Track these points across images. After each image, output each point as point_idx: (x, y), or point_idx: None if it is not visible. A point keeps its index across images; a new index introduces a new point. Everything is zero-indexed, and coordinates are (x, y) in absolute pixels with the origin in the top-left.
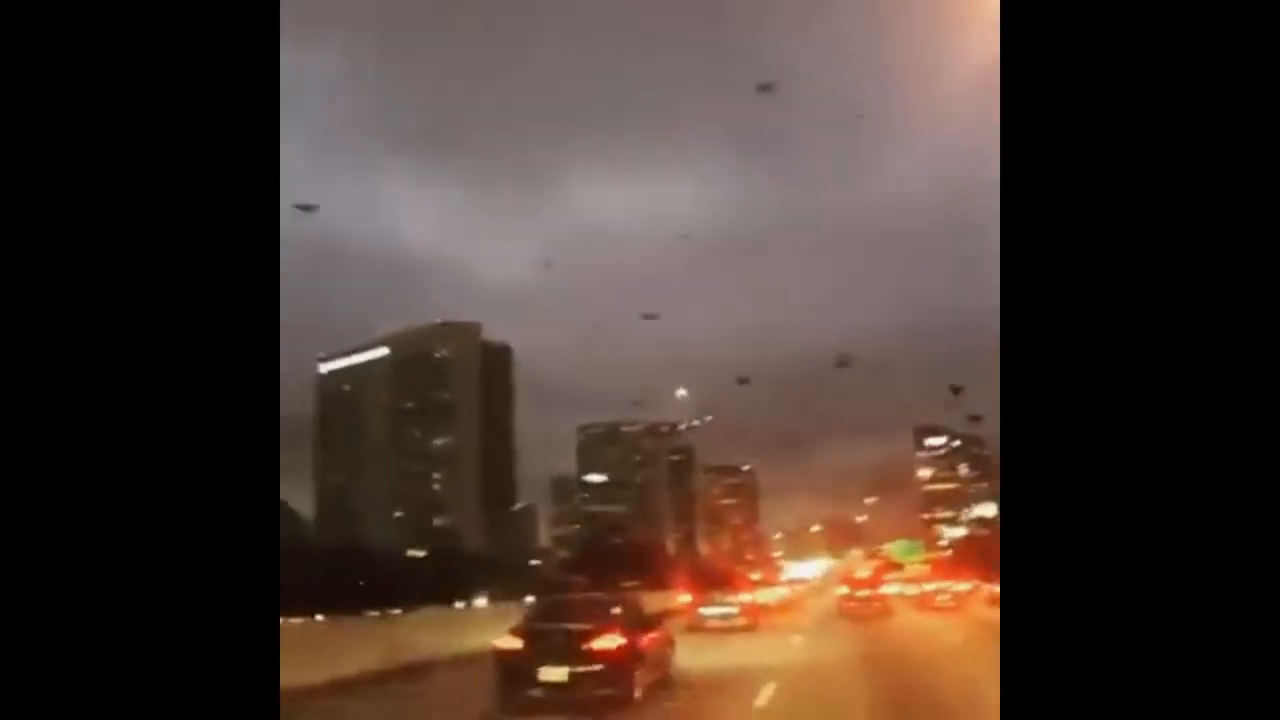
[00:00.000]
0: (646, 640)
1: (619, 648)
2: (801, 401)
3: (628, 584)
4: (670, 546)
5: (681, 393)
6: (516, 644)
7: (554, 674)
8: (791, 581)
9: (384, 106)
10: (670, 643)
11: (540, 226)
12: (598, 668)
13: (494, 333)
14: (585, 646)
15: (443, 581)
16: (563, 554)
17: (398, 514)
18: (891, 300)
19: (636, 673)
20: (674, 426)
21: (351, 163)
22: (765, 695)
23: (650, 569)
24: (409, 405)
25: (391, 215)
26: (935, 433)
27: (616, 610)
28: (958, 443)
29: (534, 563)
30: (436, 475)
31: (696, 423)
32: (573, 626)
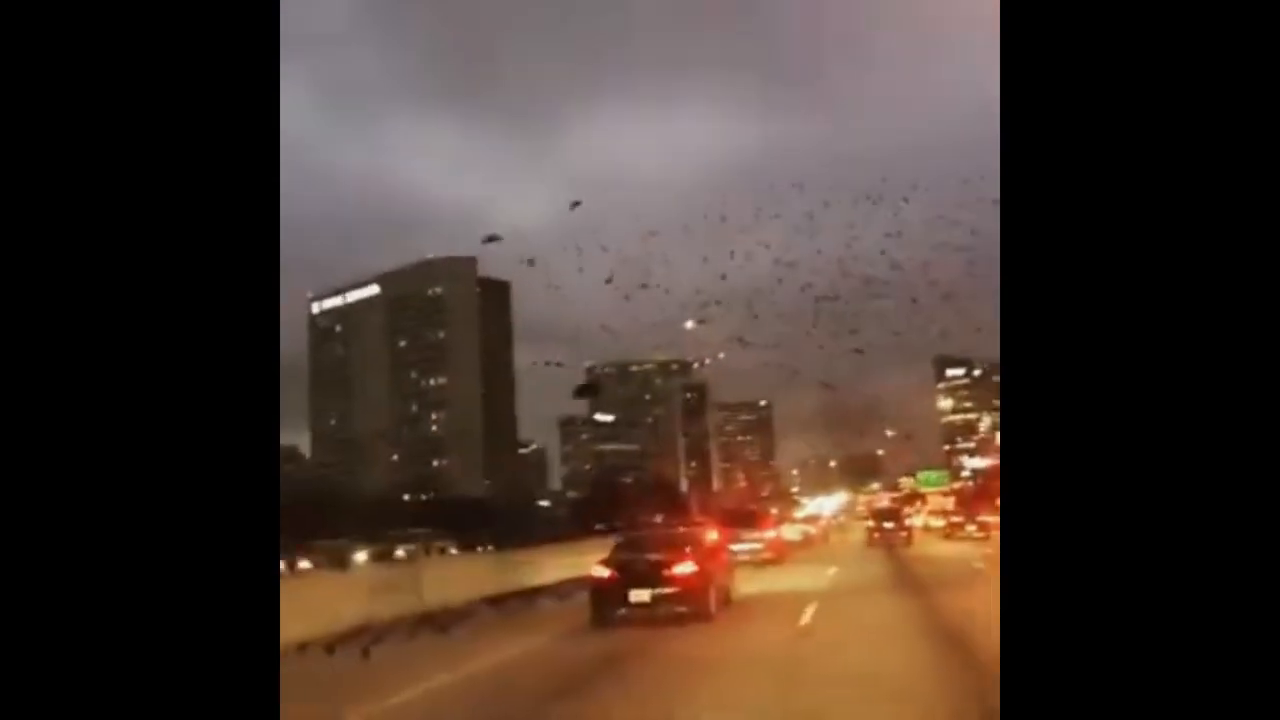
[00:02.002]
0: (714, 566)
1: (694, 573)
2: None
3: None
4: (684, 484)
5: (690, 325)
6: (607, 572)
7: (640, 595)
8: (808, 518)
9: (395, 51)
10: (731, 570)
11: (558, 167)
12: (676, 590)
13: (509, 273)
14: (666, 572)
15: (444, 525)
16: (571, 494)
17: (394, 457)
18: (919, 233)
19: (710, 593)
20: (686, 364)
21: (362, 109)
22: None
23: (664, 508)
24: (402, 344)
25: (400, 156)
26: (955, 363)
27: (689, 542)
28: (979, 372)
29: (542, 504)
30: (434, 417)
31: (709, 360)
32: (654, 556)
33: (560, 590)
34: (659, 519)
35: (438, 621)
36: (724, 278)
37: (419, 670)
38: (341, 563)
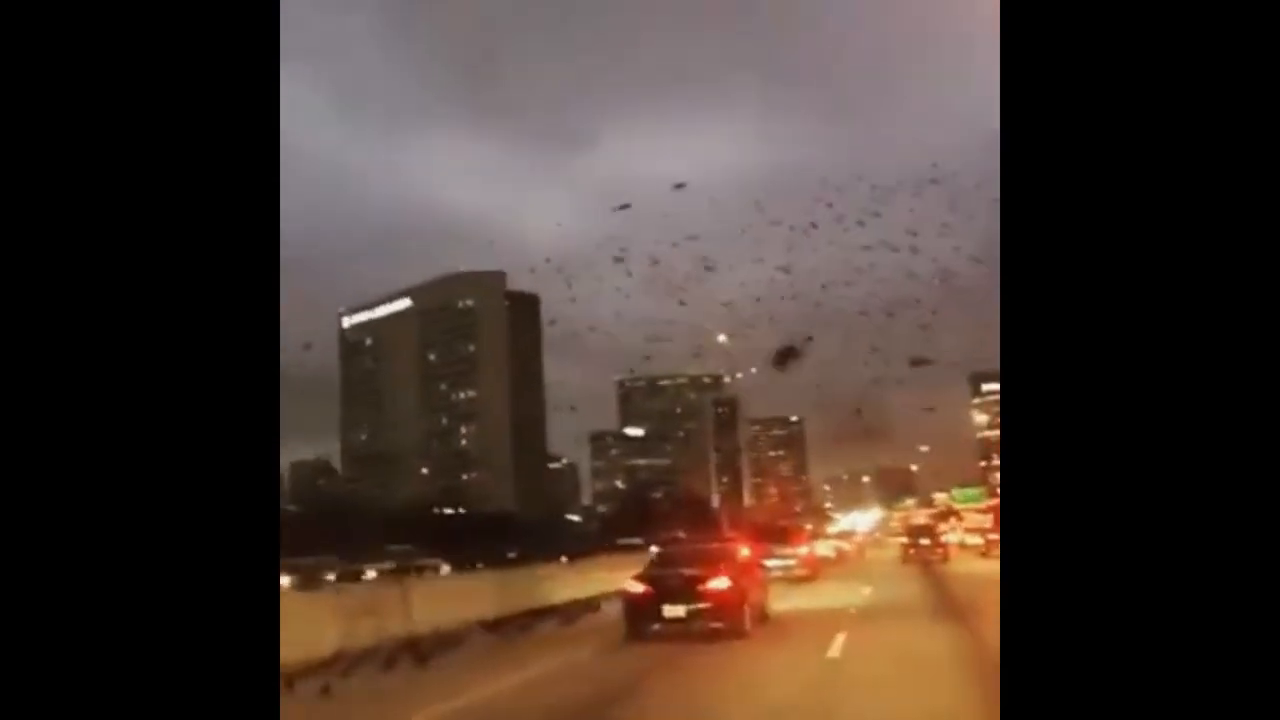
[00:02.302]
0: (749, 582)
1: (729, 589)
2: (854, 351)
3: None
4: (715, 499)
5: (722, 339)
6: (641, 588)
7: (675, 610)
8: (841, 534)
9: (416, 61)
10: (765, 586)
11: (584, 182)
12: (711, 605)
13: (538, 288)
14: (700, 588)
15: (474, 540)
16: (602, 509)
17: (424, 470)
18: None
19: (744, 609)
20: (718, 378)
21: (382, 120)
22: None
23: (696, 523)
24: (432, 358)
25: (425, 173)
26: (991, 379)
27: (724, 558)
28: None
29: (573, 518)
30: (464, 430)
31: (740, 375)
32: (689, 571)
33: (569, 612)
34: (687, 534)
35: (421, 649)
36: (758, 300)
37: (384, 710)
38: (315, 582)
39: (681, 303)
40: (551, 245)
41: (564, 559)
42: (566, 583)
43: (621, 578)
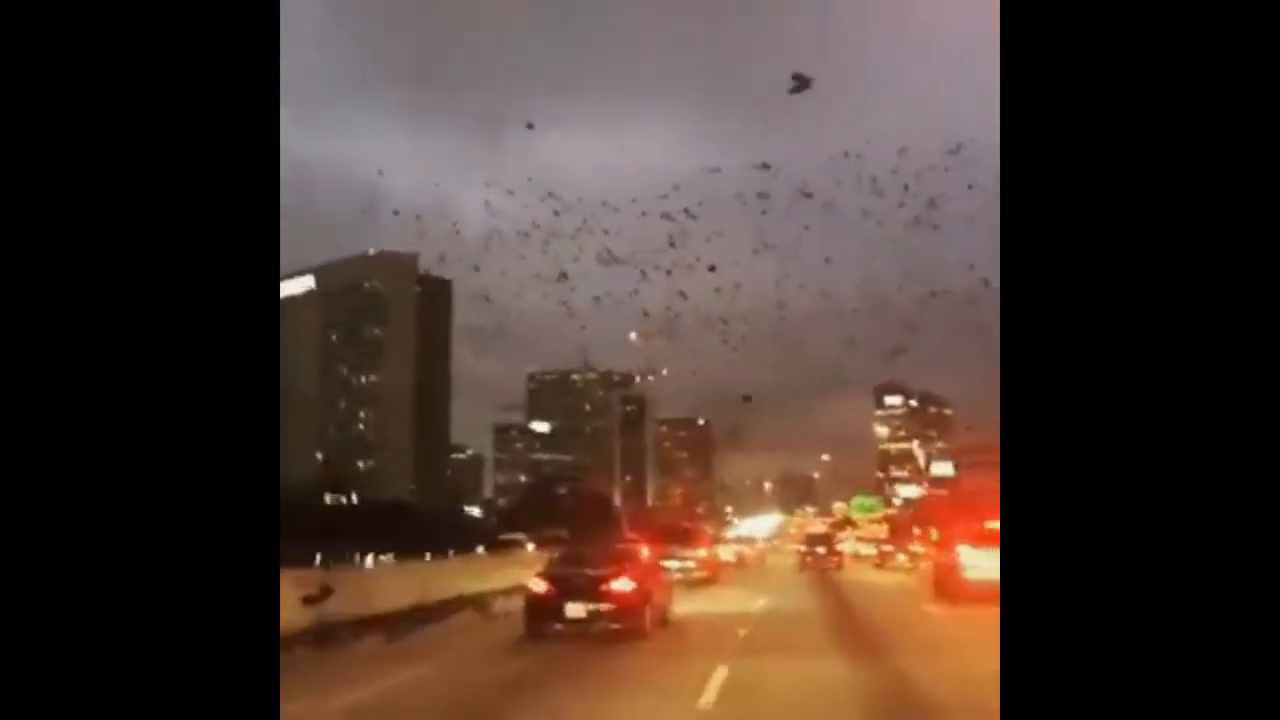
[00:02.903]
0: (652, 584)
1: (632, 590)
2: (762, 356)
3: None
4: (619, 498)
5: (633, 336)
6: (544, 585)
7: (576, 610)
8: (742, 539)
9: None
10: (669, 589)
11: (511, 177)
12: (613, 606)
13: (452, 274)
14: (603, 588)
15: (363, 531)
16: (503, 503)
17: (319, 455)
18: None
19: (645, 611)
20: (628, 377)
21: (326, 111)
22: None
23: (597, 521)
24: (334, 338)
25: (353, 151)
26: (894, 391)
27: (628, 558)
28: (915, 402)
29: (472, 511)
30: (362, 415)
31: (651, 377)
32: (591, 571)
33: (445, 610)
34: (589, 531)
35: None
36: (683, 294)
37: None
38: None
39: (597, 299)
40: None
41: (451, 553)
42: (452, 578)
43: (512, 575)
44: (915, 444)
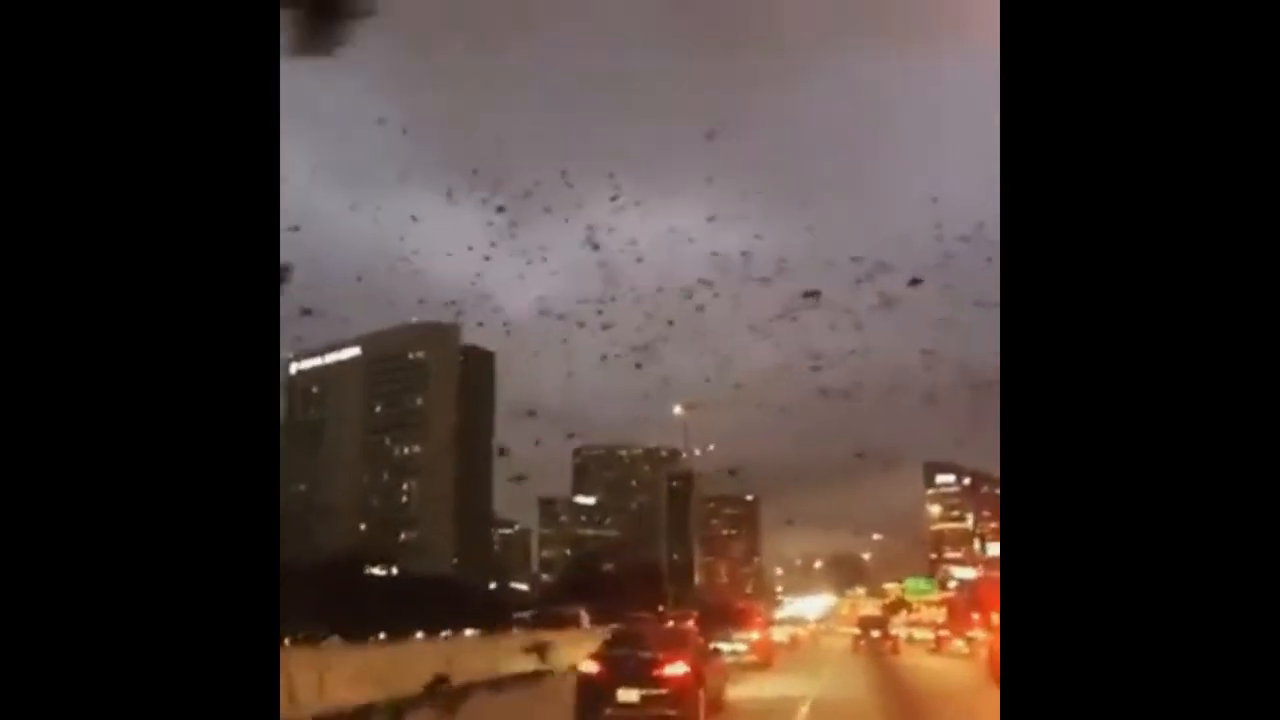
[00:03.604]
0: (707, 668)
1: (685, 674)
2: (810, 433)
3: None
4: (666, 576)
5: (678, 410)
6: (596, 668)
7: (629, 695)
8: (791, 620)
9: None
10: (724, 672)
11: (557, 253)
12: (666, 691)
13: (501, 356)
14: (656, 672)
15: (406, 605)
16: (546, 578)
17: (362, 526)
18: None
19: (699, 696)
20: (675, 452)
21: (363, 189)
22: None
23: (644, 600)
24: (378, 410)
25: (397, 231)
26: (946, 469)
27: (683, 640)
28: (968, 480)
29: (520, 586)
30: (405, 487)
31: (698, 452)
32: (645, 654)
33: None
34: (637, 611)
35: None
36: (725, 371)
37: None
38: None
39: (638, 365)
40: (518, 308)
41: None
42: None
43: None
44: (970, 520)
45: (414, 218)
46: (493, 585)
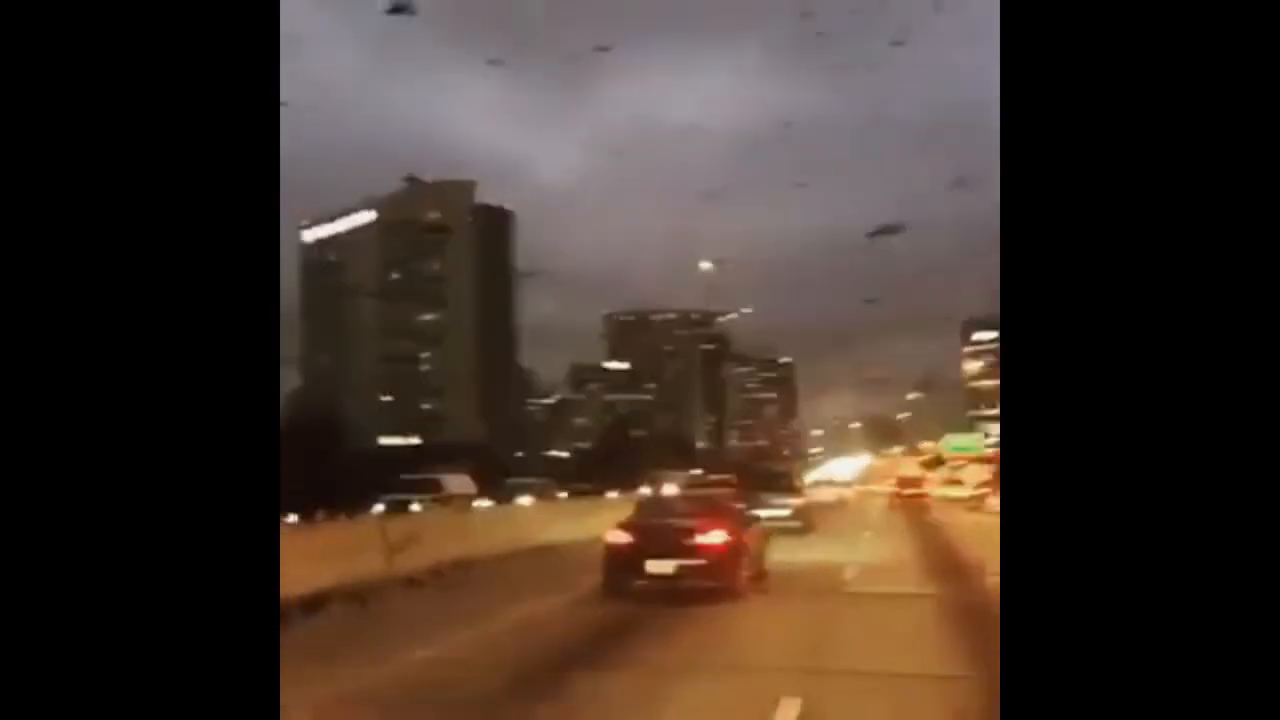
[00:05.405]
0: (747, 535)
1: (725, 543)
2: (845, 293)
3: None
4: (700, 441)
5: (705, 265)
6: (626, 538)
7: (661, 566)
8: (819, 483)
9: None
10: (766, 538)
11: (587, 118)
12: (704, 562)
13: (535, 223)
14: (691, 542)
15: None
16: (578, 446)
17: (385, 398)
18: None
19: (740, 566)
20: (709, 315)
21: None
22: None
23: (678, 464)
24: (395, 277)
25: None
26: (983, 326)
27: (721, 507)
28: None
29: (560, 454)
30: (424, 355)
31: (734, 315)
32: (679, 523)
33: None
34: (673, 476)
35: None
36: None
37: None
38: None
39: (673, 234)
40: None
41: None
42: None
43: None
44: None
45: (446, 85)
46: (519, 454)
